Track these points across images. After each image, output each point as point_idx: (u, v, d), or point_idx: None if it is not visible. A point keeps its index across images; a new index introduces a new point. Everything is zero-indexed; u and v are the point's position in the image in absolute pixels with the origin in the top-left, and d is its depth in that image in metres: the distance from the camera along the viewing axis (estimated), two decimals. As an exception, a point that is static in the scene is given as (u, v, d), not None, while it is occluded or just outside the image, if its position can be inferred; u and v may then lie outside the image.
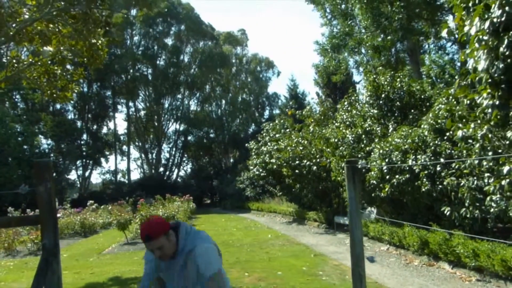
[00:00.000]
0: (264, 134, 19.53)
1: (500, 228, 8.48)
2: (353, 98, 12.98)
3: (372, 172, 9.11)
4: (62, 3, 8.09)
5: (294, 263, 8.83)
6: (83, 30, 6.96)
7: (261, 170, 18.29)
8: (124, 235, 13.86)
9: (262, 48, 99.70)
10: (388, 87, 10.55)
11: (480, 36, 4.52)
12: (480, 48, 4.63)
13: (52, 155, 34.86)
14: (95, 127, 41.05)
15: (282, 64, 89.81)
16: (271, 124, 19.63)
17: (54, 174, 35.09)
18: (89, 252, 12.37)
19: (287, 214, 19.39)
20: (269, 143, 17.89)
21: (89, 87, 39.68)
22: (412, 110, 10.29)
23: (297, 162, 14.81)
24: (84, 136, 39.68)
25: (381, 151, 8.74)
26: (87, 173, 40.34)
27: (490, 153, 5.57)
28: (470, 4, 4.67)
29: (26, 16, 8.51)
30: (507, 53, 4.40)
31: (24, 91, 32.69)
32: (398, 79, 10.47)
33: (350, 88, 13.70)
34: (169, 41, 43.69)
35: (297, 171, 14.99)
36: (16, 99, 35.03)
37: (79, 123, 39.24)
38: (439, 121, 8.02)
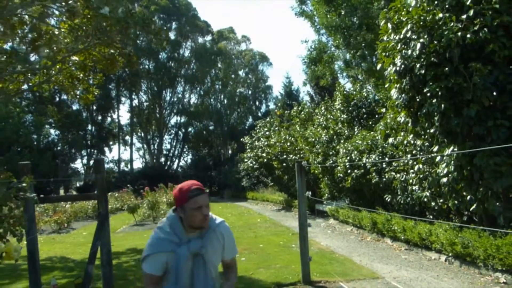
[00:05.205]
0: (257, 131, 21.67)
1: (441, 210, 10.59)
2: (328, 104, 15.03)
3: (339, 167, 11.23)
4: (91, 29, 10.11)
5: (274, 239, 10.98)
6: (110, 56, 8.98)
7: (254, 163, 20.40)
8: (133, 217, 15.99)
9: (259, 44, 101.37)
10: (358, 96, 12.62)
11: (391, 77, 6.61)
12: (393, 83, 6.74)
13: (59, 144, 37.05)
14: (99, 118, 42.97)
15: (280, 61, 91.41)
16: (262, 122, 21.78)
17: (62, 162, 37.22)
18: (104, 231, 14.48)
19: (277, 202, 21.38)
20: (261, 139, 20.00)
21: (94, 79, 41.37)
22: (376, 116, 12.36)
23: (284, 156, 16.93)
24: (89, 127, 41.68)
25: (344, 150, 10.85)
26: (91, 162, 42.34)
27: (409, 155, 7.69)
28: (388, 54, 6.74)
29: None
30: (407, 89, 6.50)
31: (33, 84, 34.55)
32: (365, 89, 12.54)
33: (326, 95, 15.83)
34: (170, 36, 45.52)
35: (284, 164, 17.12)
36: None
37: (84, 114, 41.18)
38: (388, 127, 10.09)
